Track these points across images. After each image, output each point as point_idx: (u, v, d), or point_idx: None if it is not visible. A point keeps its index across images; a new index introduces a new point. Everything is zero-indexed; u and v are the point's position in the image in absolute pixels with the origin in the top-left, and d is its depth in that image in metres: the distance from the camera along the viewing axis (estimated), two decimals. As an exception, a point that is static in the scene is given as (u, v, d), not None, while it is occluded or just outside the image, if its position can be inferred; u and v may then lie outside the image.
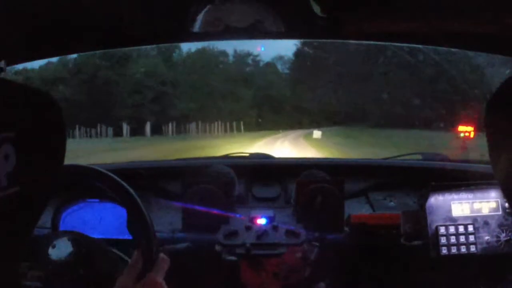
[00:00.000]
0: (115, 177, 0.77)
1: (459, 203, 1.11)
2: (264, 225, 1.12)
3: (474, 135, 2.31)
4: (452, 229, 1.08)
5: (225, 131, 12.23)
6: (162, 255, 0.76)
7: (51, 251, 0.78)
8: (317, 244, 1.10)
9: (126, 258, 0.85)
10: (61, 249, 0.79)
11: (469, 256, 1.07)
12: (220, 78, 12.59)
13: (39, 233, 1.00)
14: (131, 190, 0.76)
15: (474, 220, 1.09)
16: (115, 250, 0.87)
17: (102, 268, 0.81)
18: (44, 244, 0.79)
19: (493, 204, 1.11)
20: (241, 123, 12.33)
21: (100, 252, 0.83)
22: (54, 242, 0.79)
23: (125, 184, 0.76)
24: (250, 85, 12.84)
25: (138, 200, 0.76)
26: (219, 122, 12.27)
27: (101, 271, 0.80)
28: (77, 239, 0.81)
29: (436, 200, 1.10)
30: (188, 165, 1.63)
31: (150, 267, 0.72)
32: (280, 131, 11.80)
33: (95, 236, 0.88)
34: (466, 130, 2.46)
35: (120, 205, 0.79)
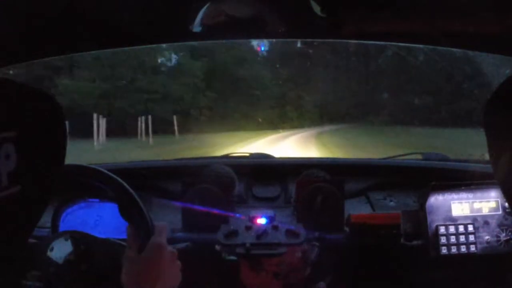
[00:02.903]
0: (116, 177, 0.77)
1: (459, 202, 1.11)
2: (264, 225, 1.12)
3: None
4: (452, 229, 1.08)
5: (134, 134, 6.53)
6: (157, 223, 0.77)
7: (50, 254, 0.78)
8: (317, 244, 1.10)
9: (125, 244, 0.85)
10: (60, 250, 0.79)
11: (469, 256, 1.07)
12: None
13: (39, 233, 1.00)
14: (131, 190, 0.76)
15: (474, 219, 1.09)
16: (113, 240, 0.86)
17: (103, 261, 0.81)
18: (43, 248, 0.79)
19: (493, 204, 1.11)
20: (174, 118, 6.71)
21: (99, 246, 0.83)
22: (52, 245, 0.79)
23: (125, 184, 0.77)
24: (201, 56, 7.36)
25: (139, 200, 0.76)
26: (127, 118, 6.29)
27: (102, 265, 0.80)
28: (74, 237, 0.81)
29: (436, 199, 1.10)
30: (188, 165, 1.64)
31: (148, 236, 0.73)
32: (256, 132, 7.19)
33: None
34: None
35: (120, 205, 0.79)
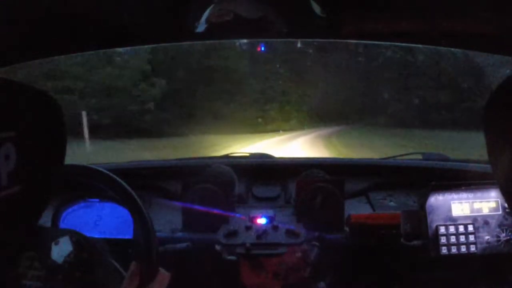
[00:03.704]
0: (115, 177, 0.77)
1: (459, 202, 1.11)
2: (264, 224, 1.12)
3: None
4: (452, 229, 1.08)
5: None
6: (162, 270, 0.75)
7: (53, 247, 0.78)
8: (317, 244, 1.10)
9: (124, 273, 0.84)
10: (62, 248, 0.79)
11: (469, 256, 1.07)
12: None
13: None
14: (131, 190, 0.76)
15: (474, 219, 1.09)
16: (115, 263, 0.86)
17: (98, 276, 0.80)
18: (48, 238, 0.79)
19: (493, 204, 1.11)
20: (83, 115, 3.81)
21: (100, 260, 0.83)
22: (58, 239, 0.79)
23: (125, 184, 0.77)
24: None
25: (139, 200, 0.76)
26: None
27: (97, 279, 0.80)
28: (80, 241, 0.80)
29: (436, 199, 1.10)
30: (188, 165, 1.64)
31: (148, 281, 0.72)
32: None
33: (95, 236, 0.88)
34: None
35: (121, 205, 0.79)
